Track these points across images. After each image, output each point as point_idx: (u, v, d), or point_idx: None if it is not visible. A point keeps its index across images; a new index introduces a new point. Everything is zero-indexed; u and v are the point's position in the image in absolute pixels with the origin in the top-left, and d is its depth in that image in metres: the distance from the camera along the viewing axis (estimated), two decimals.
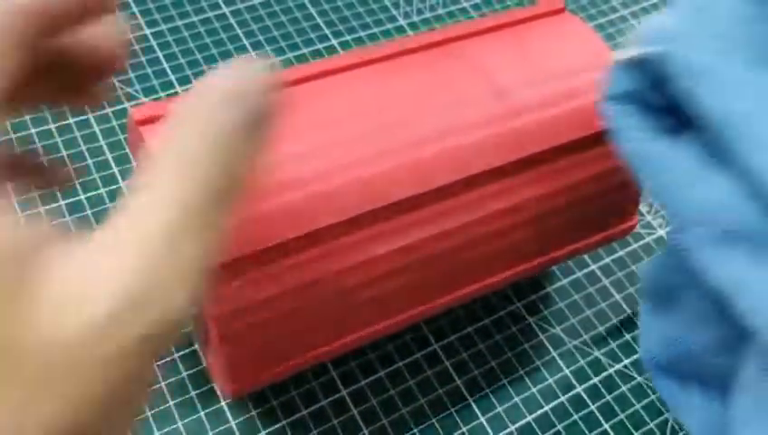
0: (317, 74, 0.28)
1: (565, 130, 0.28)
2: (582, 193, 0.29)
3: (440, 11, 0.48)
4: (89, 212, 0.36)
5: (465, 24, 0.31)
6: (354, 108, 0.27)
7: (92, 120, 0.39)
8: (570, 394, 0.33)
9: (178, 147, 0.16)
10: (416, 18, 0.47)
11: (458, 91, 0.28)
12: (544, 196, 0.28)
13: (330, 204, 0.25)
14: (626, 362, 0.34)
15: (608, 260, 0.37)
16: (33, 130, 0.38)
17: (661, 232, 0.39)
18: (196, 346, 0.32)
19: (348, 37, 0.45)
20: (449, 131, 0.27)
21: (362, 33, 0.45)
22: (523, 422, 0.32)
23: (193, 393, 0.31)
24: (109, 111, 0.39)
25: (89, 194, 0.36)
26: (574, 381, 0.33)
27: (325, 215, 0.25)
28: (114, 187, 0.37)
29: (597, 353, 0.34)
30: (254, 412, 0.31)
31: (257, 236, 0.24)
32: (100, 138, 0.38)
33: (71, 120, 0.39)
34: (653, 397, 0.33)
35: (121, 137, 0.39)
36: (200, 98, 0.17)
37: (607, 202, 0.30)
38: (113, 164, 0.38)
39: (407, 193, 0.26)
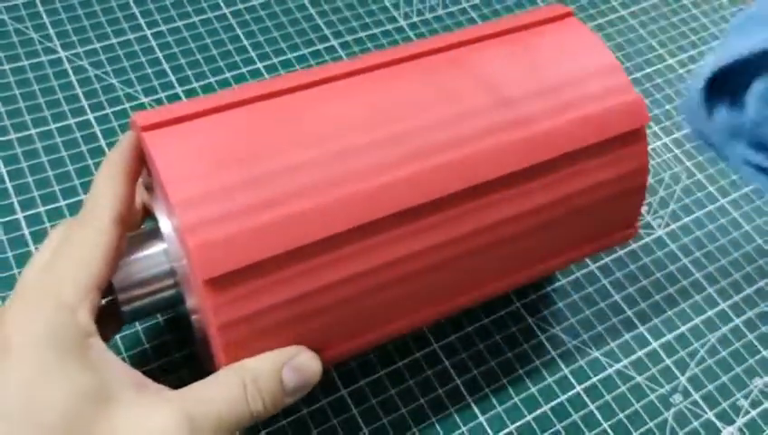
0: (319, 81, 0.28)
1: (570, 139, 0.28)
2: (586, 201, 0.29)
3: (440, 11, 0.48)
4: None
5: (469, 30, 0.31)
6: (358, 117, 0.27)
7: (93, 121, 0.39)
8: (569, 394, 0.33)
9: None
10: (415, 19, 0.47)
11: (463, 100, 0.28)
12: (548, 204, 0.28)
13: (336, 213, 0.25)
14: (625, 361, 0.34)
15: (607, 260, 0.38)
16: (33, 131, 0.38)
17: (660, 232, 0.39)
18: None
19: (348, 38, 0.45)
20: (454, 141, 0.27)
21: (362, 34, 0.45)
22: (522, 422, 0.32)
23: None
24: (109, 111, 0.40)
25: None
26: (573, 381, 0.33)
27: (332, 224, 0.24)
28: None
29: (596, 353, 0.34)
30: None
31: (261, 245, 0.24)
32: (101, 138, 0.38)
33: (71, 121, 0.39)
34: (652, 397, 0.33)
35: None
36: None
37: (610, 210, 0.30)
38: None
39: (412, 202, 0.26)
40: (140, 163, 0.27)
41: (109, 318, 0.27)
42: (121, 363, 0.24)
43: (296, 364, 0.25)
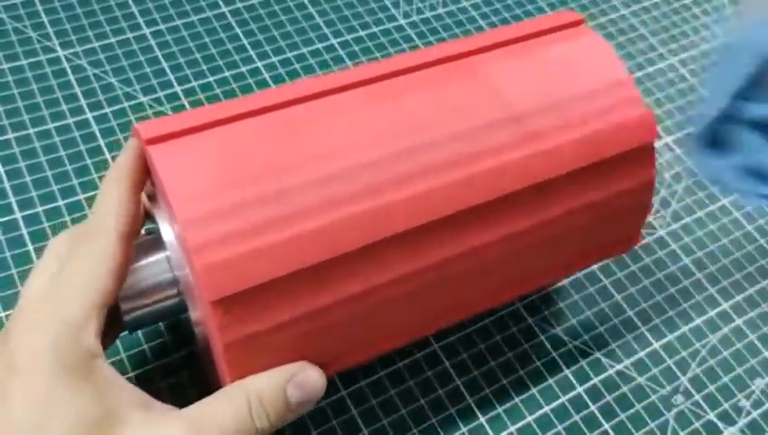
0: (327, 91, 0.27)
1: (579, 156, 0.28)
2: (590, 217, 0.29)
3: (440, 10, 0.48)
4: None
5: (478, 38, 0.30)
6: (367, 133, 0.26)
7: (91, 120, 0.39)
8: (570, 395, 0.33)
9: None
10: (415, 17, 0.47)
11: (474, 116, 0.27)
12: (552, 221, 0.28)
13: (343, 233, 0.24)
14: (626, 362, 0.34)
15: (608, 260, 0.37)
16: (31, 131, 0.38)
17: (662, 232, 0.39)
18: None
19: (347, 36, 0.45)
20: (465, 158, 0.26)
21: (362, 33, 0.45)
22: (523, 423, 0.32)
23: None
24: (108, 110, 0.39)
25: (87, 194, 0.36)
26: (574, 382, 0.33)
27: (340, 243, 0.24)
28: None
29: (597, 354, 0.34)
30: None
31: (269, 265, 0.23)
32: (99, 138, 0.38)
33: (70, 120, 0.39)
34: (654, 397, 0.33)
35: (120, 136, 0.38)
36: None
37: (613, 225, 0.30)
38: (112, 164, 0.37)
39: (420, 221, 0.25)
40: (146, 172, 0.26)
41: (109, 324, 0.27)
42: (127, 384, 0.24)
43: (300, 380, 0.25)
